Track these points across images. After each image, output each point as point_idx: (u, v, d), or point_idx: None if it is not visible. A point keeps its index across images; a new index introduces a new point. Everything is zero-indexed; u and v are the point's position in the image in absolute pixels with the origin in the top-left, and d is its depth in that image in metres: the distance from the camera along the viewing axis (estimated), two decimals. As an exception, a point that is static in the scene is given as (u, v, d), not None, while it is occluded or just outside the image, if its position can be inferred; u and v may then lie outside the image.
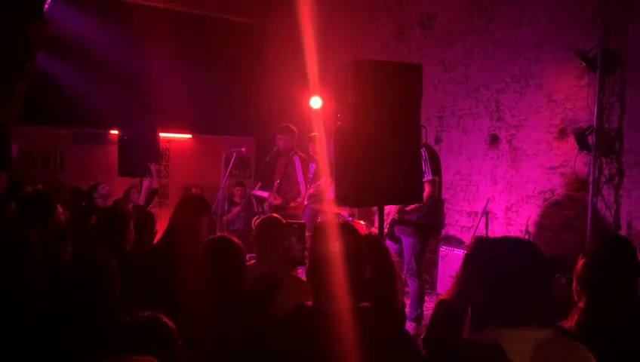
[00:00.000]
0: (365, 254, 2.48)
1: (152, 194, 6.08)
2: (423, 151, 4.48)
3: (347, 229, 2.00)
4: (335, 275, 1.86)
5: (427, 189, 4.59)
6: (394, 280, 2.53)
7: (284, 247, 2.82)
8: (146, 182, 5.91)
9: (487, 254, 1.85)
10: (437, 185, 4.87)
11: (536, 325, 1.67)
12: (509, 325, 1.67)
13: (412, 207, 4.71)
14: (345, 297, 1.85)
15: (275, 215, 3.38)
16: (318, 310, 1.89)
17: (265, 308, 2.35)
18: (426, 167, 4.65)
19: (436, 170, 4.85)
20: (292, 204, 6.01)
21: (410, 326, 4.94)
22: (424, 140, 4.49)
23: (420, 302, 5.03)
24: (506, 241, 1.85)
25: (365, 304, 1.92)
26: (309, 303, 1.95)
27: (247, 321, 2.22)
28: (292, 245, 2.82)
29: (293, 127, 6.23)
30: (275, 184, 6.14)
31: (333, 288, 1.86)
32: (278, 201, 6.01)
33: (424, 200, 4.20)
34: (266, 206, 6.20)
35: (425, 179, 4.57)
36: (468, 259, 2.10)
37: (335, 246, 1.90)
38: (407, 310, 4.93)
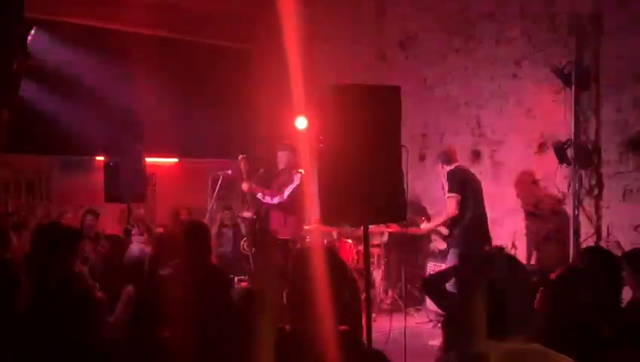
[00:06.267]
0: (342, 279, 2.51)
1: None
2: (448, 170, 5.26)
3: (330, 253, 2.03)
4: (316, 298, 1.87)
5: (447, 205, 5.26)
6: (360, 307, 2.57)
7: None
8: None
9: (473, 269, 1.88)
10: (457, 203, 5.15)
11: (523, 337, 1.68)
12: (495, 338, 1.70)
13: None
14: (326, 321, 1.87)
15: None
16: (298, 333, 1.91)
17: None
18: (446, 185, 5.28)
19: (454, 187, 5.18)
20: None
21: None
22: (405, 159, 4.60)
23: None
24: (490, 256, 1.87)
25: (343, 327, 1.93)
26: (287, 327, 1.96)
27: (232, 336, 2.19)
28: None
29: (294, 144, 6.29)
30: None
31: (314, 311, 1.88)
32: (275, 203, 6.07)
33: (448, 215, 5.21)
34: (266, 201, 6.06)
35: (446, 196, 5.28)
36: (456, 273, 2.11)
37: (318, 270, 1.92)
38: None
